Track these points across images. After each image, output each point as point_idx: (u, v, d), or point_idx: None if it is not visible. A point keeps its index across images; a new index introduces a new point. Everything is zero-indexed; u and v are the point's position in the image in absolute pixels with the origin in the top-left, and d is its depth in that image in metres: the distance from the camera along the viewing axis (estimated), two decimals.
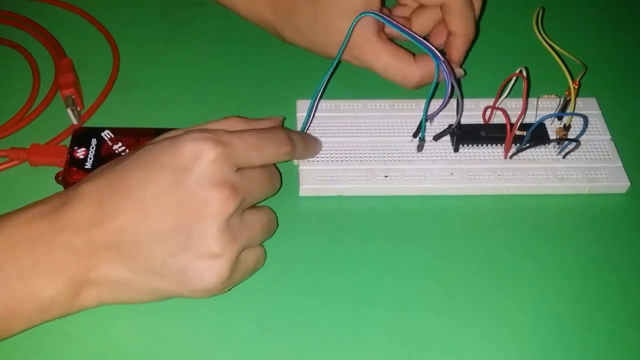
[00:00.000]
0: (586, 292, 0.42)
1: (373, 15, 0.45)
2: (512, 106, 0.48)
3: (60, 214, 0.36)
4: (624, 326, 0.41)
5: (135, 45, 0.54)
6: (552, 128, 0.48)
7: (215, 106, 0.50)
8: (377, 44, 0.49)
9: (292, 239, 0.43)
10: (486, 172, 0.46)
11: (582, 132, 0.46)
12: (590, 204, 0.46)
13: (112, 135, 0.46)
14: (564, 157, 0.47)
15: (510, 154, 0.47)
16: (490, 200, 0.46)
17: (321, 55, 0.51)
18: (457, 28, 0.49)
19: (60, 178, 0.45)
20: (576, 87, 0.46)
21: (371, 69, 0.50)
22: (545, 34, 0.50)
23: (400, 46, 0.50)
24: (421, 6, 0.52)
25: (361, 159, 0.46)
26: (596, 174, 0.46)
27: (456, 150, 0.47)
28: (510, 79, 0.46)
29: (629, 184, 0.46)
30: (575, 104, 0.47)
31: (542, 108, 0.48)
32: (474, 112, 0.48)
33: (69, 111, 0.48)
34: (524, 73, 0.44)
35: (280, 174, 0.43)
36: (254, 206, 0.41)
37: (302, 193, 0.46)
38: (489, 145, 0.47)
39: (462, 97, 0.45)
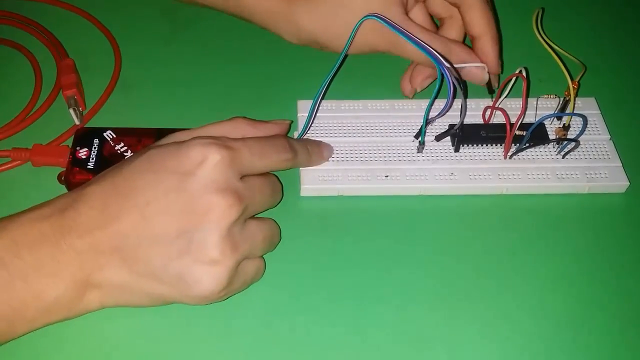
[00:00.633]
0: (585, 291, 0.43)
1: (377, 18, 0.45)
2: (512, 106, 0.48)
3: (65, 216, 0.37)
4: (624, 326, 0.41)
5: (136, 46, 0.54)
6: (552, 128, 0.48)
7: (216, 106, 0.50)
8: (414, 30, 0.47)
9: (293, 239, 0.44)
10: (486, 172, 0.46)
11: (582, 132, 0.46)
12: (589, 204, 0.47)
13: (114, 136, 0.46)
14: (563, 157, 0.47)
15: (510, 153, 0.47)
16: (490, 200, 0.46)
17: (331, 49, 0.50)
18: (481, 27, 0.47)
19: (63, 178, 0.45)
20: (575, 87, 0.46)
21: (401, 51, 0.49)
22: (545, 34, 0.50)
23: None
24: (443, 22, 0.51)
25: (362, 159, 0.47)
26: (595, 174, 0.47)
27: (457, 150, 0.47)
28: (510, 79, 0.46)
29: (628, 183, 0.47)
30: (574, 104, 0.47)
31: (541, 108, 0.49)
32: (474, 112, 0.48)
33: (71, 111, 0.48)
34: (524, 73, 0.44)
35: (282, 187, 0.43)
36: (258, 217, 0.41)
37: (303, 193, 0.46)
38: (489, 145, 0.47)
39: (466, 99, 0.45)
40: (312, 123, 0.47)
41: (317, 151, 0.45)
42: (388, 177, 0.46)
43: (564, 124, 0.47)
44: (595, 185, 0.46)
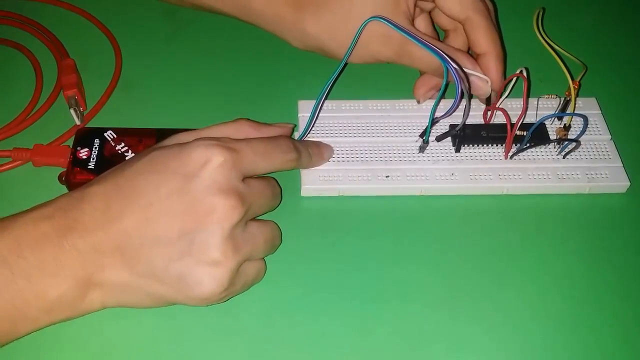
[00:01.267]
0: (586, 292, 0.43)
1: (382, 20, 0.45)
2: (513, 106, 0.48)
3: (68, 216, 0.37)
4: (624, 326, 0.41)
5: (137, 46, 0.54)
6: (553, 128, 0.48)
7: (216, 106, 0.50)
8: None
9: (294, 239, 0.44)
10: (487, 172, 0.46)
11: (582, 132, 0.46)
12: (590, 204, 0.47)
13: (115, 136, 0.46)
14: (564, 157, 0.47)
15: (510, 154, 0.47)
16: (490, 200, 0.46)
17: (336, 57, 0.49)
18: (486, 46, 0.47)
19: (64, 178, 0.45)
20: (576, 87, 0.46)
21: (408, 61, 0.49)
22: (546, 34, 0.50)
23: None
24: (447, 33, 0.51)
25: (362, 159, 0.47)
26: (596, 174, 0.47)
27: (457, 150, 0.47)
28: (511, 80, 0.46)
29: (629, 183, 0.47)
30: (575, 104, 0.47)
31: (542, 108, 0.49)
32: (474, 112, 0.48)
33: (72, 112, 0.48)
34: (524, 73, 0.44)
35: (281, 190, 0.44)
36: (259, 219, 0.41)
37: (304, 193, 0.46)
38: (490, 145, 0.47)
39: (470, 100, 0.45)
40: (313, 125, 0.47)
41: (318, 152, 0.45)
42: (389, 177, 0.46)
43: (565, 124, 0.47)
44: (596, 185, 0.46)
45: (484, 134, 0.47)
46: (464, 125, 0.46)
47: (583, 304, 0.42)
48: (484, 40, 0.47)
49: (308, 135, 0.47)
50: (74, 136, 0.47)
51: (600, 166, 0.47)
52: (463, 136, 0.47)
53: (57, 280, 0.36)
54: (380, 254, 0.44)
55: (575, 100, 0.47)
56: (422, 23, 0.51)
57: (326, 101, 0.49)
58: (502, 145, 0.47)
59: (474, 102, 0.49)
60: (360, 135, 0.48)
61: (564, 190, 0.47)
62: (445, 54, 0.43)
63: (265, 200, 0.41)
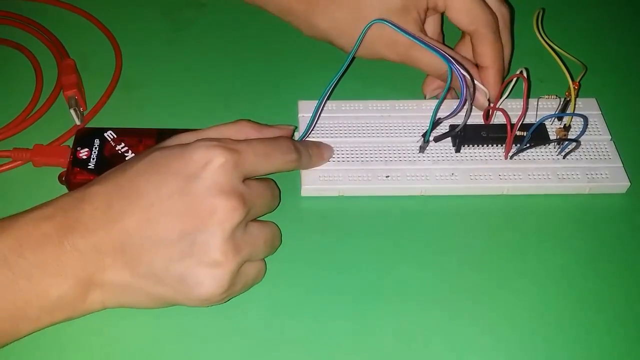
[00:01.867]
0: (586, 292, 0.43)
1: (386, 23, 0.45)
2: (513, 107, 0.48)
3: (69, 216, 0.37)
4: (624, 326, 0.41)
5: (137, 46, 0.54)
6: (553, 128, 0.48)
7: (217, 106, 0.50)
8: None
9: (294, 239, 0.44)
10: (487, 172, 0.46)
11: (582, 133, 0.46)
12: (590, 204, 0.47)
13: (115, 136, 0.46)
14: (564, 157, 0.47)
15: (510, 154, 0.47)
16: (490, 200, 0.46)
17: (343, 50, 0.50)
18: (487, 59, 0.48)
19: (64, 178, 0.45)
20: (576, 87, 0.46)
21: (413, 65, 0.49)
22: (546, 34, 0.50)
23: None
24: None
25: (362, 159, 0.47)
26: (596, 174, 0.47)
27: (458, 150, 0.47)
28: (511, 80, 0.46)
29: (629, 184, 0.47)
30: (575, 104, 0.47)
31: (542, 108, 0.49)
32: (474, 113, 0.48)
33: (72, 112, 0.48)
34: (525, 74, 0.44)
35: (280, 192, 0.44)
36: (259, 220, 0.41)
37: (304, 193, 0.46)
38: (490, 145, 0.47)
39: (472, 101, 0.45)
40: (314, 126, 0.47)
41: (318, 153, 0.45)
42: (389, 178, 0.46)
43: (565, 124, 0.48)
44: (596, 185, 0.46)
45: (484, 134, 0.47)
46: (464, 126, 0.46)
47: (583, 303, 0.42)
48: (488, 54, 0.48)
49: (308, 136, 0.47)
50: (74, 136, 0.47)
51: (600, 166, 0.47)
52: (463, 136, 0.47)
53: (58, 280, 0.36)
54: (380, 254, 0.44)
55: (575, 100, 0.47)
56: (429, 25, 0.51)
57: (327, 101, 0.49)
58: (502, 146, 0.47)
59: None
60: (360, 135, 0.48)
61: (564, 190, 0.47)
62: (452, 58, 0.43)
63: (266, 201, 0.41)
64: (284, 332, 0.40)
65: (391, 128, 0.48)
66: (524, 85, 0.45)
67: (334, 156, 0.46)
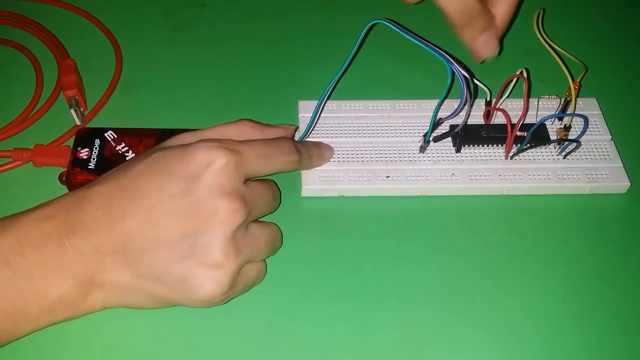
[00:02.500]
0: (586, 292, 0.43)
1: (385, 23, 0.45)
2: (513, 107, 0.48)
3: (70, 217, 0.37)
4: (624, 326, 0.41)
5: (137, 46, 0.54)
6: (553, 128, 0.48)
7: (217, 106, 0.50)
8: None
9: (295, 239, 0.44)
10: (487, 172, 0.46)
11: (583, 133, 0.46)
12: (590, 204, 0.47)
13: (115, 136, 0.46)
14: (564, 157, 0.47)
15: (511, 154, 0.47)
16: (491, 200, 0.46)
17: None
18: None
19: (64, 178, 0.45)
20: (577, 87, 0.46)
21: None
22: (546, 34, 0.50)
23: None
24: None
25: (363, 159, 0.47)
26: (596, 174, 0.47)
27: (458, 150, 0.47)
28: (511, 80, 0.46)
29: (629, 184, 0.47)
30: (575, 104, 0.47)
31: (542, 108, 0.49)
32: (475, 113, 0.48)
33: (72, 112, 0.48)
34: (525, 74, 0.44)
35: (280, 193, 0.44)
36: (260, 221, 0.41)
37: (304, 193, 0.46)
38: (490, 145, 0.47)
39: (473, 103, 0.45)
40: (314, 127, 0.47)
41: (318, 153, 0.45)
42: (389, 178, 0.46)
43: (565, 124, 0.48)
44: (596, 185, 0.46)
45: (484, 134, 0.47)
46: (465, 126, 0.46)
47: (583, 304, 0.42)
48: None
49: (309, 136, 0.47)
50: (74, 136, 0.47)
51: (601, 166, 0.47)
52: (463, 136, 0.47)
53: (58, 280, 0.36)
54: (381, 254, 0.44)
55: (575, 100, 0.47)
56: None
57: (327, 101, 0.49)
58: (502, 146, 0.47)
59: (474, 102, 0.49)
60: (360, 135, 0.48)
61: (564, 190, 0.47)
62: (452, 58, 0.43)
63: (266, 202, 0.41)
64: (284, 332, 0.40)
65: (391, 128, 0.48)
66: (524, 85, 0.45)
67: (334, 156, 0.46)
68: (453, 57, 0.44)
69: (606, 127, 0.49)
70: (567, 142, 0.47)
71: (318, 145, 0.46)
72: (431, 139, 0.47)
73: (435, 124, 0.46)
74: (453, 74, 0.43)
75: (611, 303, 0.42)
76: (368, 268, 0.43)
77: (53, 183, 0.45)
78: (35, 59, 0.52)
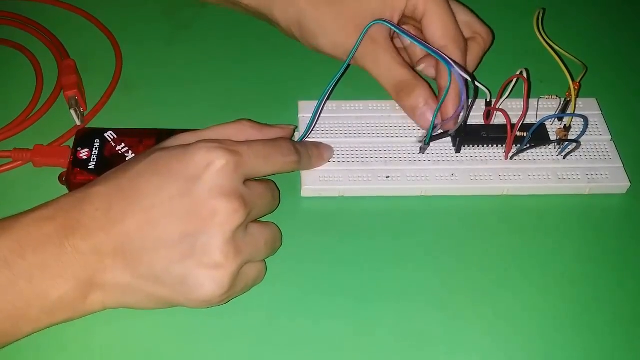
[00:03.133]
0: (586, 292, 0.43)
1: (385, 23, 0.45)
2: (513, 107, 0.48)
3: (69, 217, 0.37)
4: (624, 326, 0.41)
5: (137, 46, 0.54)
6: (553, 129, 0.48)
7: (217, 106, 0.50)
8: (383, 48, 0.48)
9: (295, 239, 0.44)
10: (487, 172, 0.46)
11: (583, 133, 0.46)
12: (590, 204, 0.47)
13: (115, 136, 0.46)
14: (564, 157, 0.47)
15: (511, 154, 0.47)
16: (491, 200, 0.46)
17: (326, 53, 0.50)
18: (442, 39, 0.47)
19: (64, 179, 0.45)
20: (576, 87, 0.46)
21: (368, 71, 0.49)
22: (546, 34, 0.50)
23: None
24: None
25: (362, 159, 0.47)
26: (596, 175, 0.47)
27: (458, 151, 0.47)
28: (511, 80, 0.46)
29: (629, 184, 0.47)
30: (575, 104, 0.47)
31: (542, 109, 0.49)
32: (475, 113, 0.48)
33: (72, 112, 0.48)
34: (525, 74, 0.44)
35: (280, 193, 0.44)
36: (260, 221, 0.41)
37: (304, 194, 0.46)
38: (490, 145, 0.47)
39: (473, 102, 0.45)
40: (314, 127, 0.47)
41: (317, 153, 0.45)
42: (389, 178, 0.46)
43: (565, 124, 0.48)
44: (596, 186, 0.46)
45: (484, 134, 0.47)
46: (464, 126, 0.46)
47: (583, 304, 0.42)
48: (441, 31, 0.48)
49: (308, 136, 0.47)
50: (74, 137, 0.47)
51: (601, 167, 0.47)
52: (463, 137, 0.47)
53: (58, 281, 0.36)
54: (381, 255, 0.44)
55: (575, 100, 0.47)
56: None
57: (327, 102, 0.49)
58: (502, 146, 0.47)
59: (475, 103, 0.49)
60: (360, 135, 0.48)
61: (564, 190, 0.47)
62: (451, 60, 0.43)
63: (266, 202, 0.41)
64: (284, 332, 0.40)
65: (391, 128, 0.48)
66: (524, 85, 0.45)
67: (334, 156, 0.46)
68: (452, 59, 0.44)
69: (606, 127, 0.49)
70: (567, 143, 0.47)
71: (317, 145, 0.46)
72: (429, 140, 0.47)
73: (435, 125, 0.46)
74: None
75: (611, 303, 0.42)
76: (368, 268, 0.43)
77: (53, 183, 0.45)
78: (35, 59, 0.52)
